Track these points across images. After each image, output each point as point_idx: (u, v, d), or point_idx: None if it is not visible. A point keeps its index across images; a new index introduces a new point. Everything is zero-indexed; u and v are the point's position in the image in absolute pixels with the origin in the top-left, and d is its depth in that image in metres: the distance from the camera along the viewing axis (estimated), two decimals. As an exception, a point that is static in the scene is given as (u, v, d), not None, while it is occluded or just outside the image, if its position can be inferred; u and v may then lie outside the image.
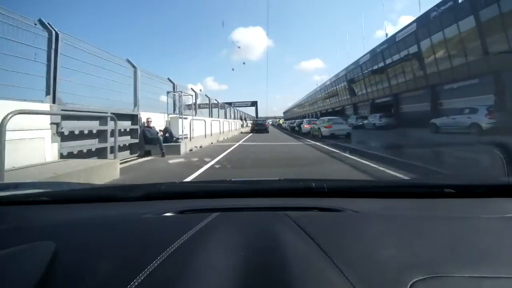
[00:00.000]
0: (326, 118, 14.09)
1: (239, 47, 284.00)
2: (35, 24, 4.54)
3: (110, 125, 6.27)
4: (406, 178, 3.77)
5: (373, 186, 1.02)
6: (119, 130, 6.60)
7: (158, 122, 8.21)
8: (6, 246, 0.50)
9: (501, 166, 0.92)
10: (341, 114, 27.93)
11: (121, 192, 0.94)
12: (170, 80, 9.79)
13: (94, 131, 5.85)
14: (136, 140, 7.10)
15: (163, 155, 6.80)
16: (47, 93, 4.67)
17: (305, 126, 17.38)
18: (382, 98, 23.23)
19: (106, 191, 1.02)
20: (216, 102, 17.50)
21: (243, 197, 0.90)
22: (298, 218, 0.63)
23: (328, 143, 9.77)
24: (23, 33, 4.27)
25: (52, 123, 4.56)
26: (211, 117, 15.36)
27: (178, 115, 8.69)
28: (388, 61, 20.93)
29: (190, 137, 8.18)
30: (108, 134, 5.96)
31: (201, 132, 10.03)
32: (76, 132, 5.33)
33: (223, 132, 13.82)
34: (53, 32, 4.81)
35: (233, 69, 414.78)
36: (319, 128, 13.38)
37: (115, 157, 4.78)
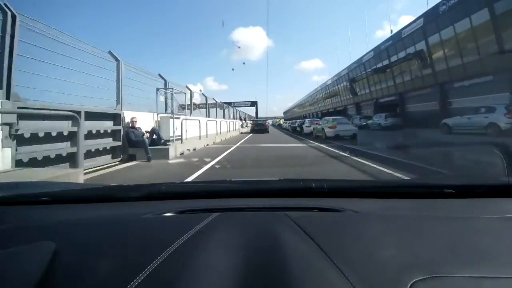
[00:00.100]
0: (330, 118, 13.24)
1: (239, 47, 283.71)
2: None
3: (87, 125, 5.45)
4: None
5: (373, 186, 1.02)
6: (98, 131, 5.79)
7: (147, 122, 7.38)
8: (6, 246, 0.52)
9: (501, 166, 0.91)
10: (343, 114, 27.08)
11: (121, 192, 0.95)
12: (161, 77, 8.96)
13: (65, 133, 5.00)
14: (119, 143, 6.26)
15: (148, 159, 5.96)
16: (-2, 87, 3.83)
17: (307, 126, 16.55)
18: (386, 97, 22.37)
19: (106, 191, 1.00)
20: (214, 101, 16.69)
21: (243, 197, 0.90)
22: (298, 218, 0.63)
23: (334, 145, 8.92)
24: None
25: (3, 124, 3.71)
26: (208, 117, 14.54)
27: (169, 115, 7.85)
28: (393, 58, 20.06)
29: (182, 139, 7.31)
30: (81, 136, 5.12)
31: (195, 133, 9.18)
32: (41, 135, 4.49)
33: (221, 133, 12.96)
34: (9, 14, 3.98)
35: (233, 69, 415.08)
36: (322, 129, 12.53)
37: (78, 166, 3.91)
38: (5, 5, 3.99)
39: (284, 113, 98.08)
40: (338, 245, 0.52)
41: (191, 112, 11.67)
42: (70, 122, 5.15)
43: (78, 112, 5.19)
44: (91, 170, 5.27)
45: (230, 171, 5.23)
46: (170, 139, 7.74)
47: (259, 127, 20.25)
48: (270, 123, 39.36)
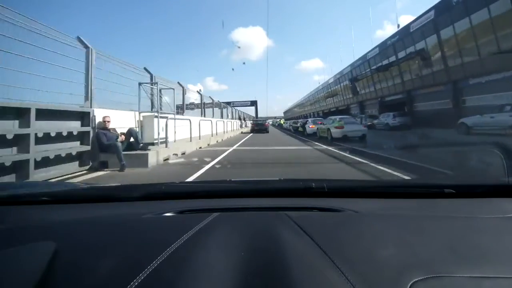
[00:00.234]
0: (336, 117, 12.13)
1: (239, 47, 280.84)
2: None
3: (43, 126, 4.34)
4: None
5: (373, 186, 1.01)
6: (60, 133, 4.68)
7: (127, 122, 6.27)
8: (6, 246, 0.52)
9: (501, 166, 0.90)
10: (346, 113, 25.88)
11: (121, 192, 0.95)
12: (147, 71, 7.84)
13: (10, 136, 3.89)
14: (89, 147, 5.15)
15: (122, 168, 4.85)
16: None
17: (310, 126, 15.43)
18: (392, 95, 21.25)
19: (106, 191, 1.01)
20: (211, 100, 15.58)
21: (243, 197, 0.90)
22: (298, 218, 0.63)
23: (344, 148, 7.80)
24: None
25: None
26: (204, 116, 13.42)
27: (153, 114, 6.73)
28: (401, 54, 18.93)
29: (167, 142, 6.18)
30: (32, 140, 4.02)
31: (186, 134, 8.05)
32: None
33: (217, 134, 11.84)
34: None
35: (233, 69, 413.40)
36: (328, 129, 11.42)
37: (29, 177, 2.78)
38: None
39: (285, 112, 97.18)
40: (338, 245, 0.52)
41: (183, 111, 10.56)
42: (17, 122, 4.06)
43: (27, 110, 4.11)
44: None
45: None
46: (155, 142, 6.64)
47: (259, 127, 20.18)
48: (270, 123, 38.51)
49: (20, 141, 4.02)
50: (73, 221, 0.72)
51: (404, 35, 18.32)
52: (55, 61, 4.80)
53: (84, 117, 5.21)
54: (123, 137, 5.29)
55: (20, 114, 4.07)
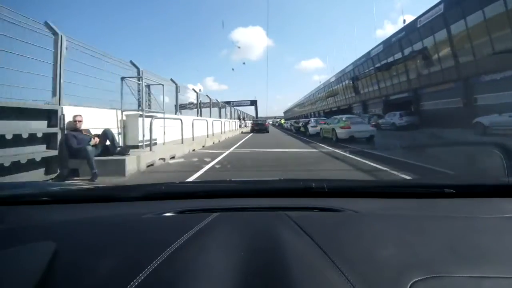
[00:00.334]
0: (341, 116, 11.31)
1: (239, 47, 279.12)
2: None
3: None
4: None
5: (373, 186, 1.01)
6: (19, 135, 3.86)
7: (108, 122, 5.46)
8: (6, 246, 0.52)
9: (501, 166, 0.90)
10: (348, 112, 25.01)
11: (121, 192, 0.95)
12: (133, 64, 7.02)
13: None
14: (56, 152, 4.33)
15: (93, 177, 4.04)
16: None
17: (313, 126, 14.62)
18: (398, 94, 20.43)
19: (106, 191, 1.00)
20: (208, 99, 14.78)
21: (243, 197, 0.89)
22: (298, 218, 0.63)
23: (353, 151, 6.99)
24: None
25: None
26: (200, 116, 12.61)
27: (137, 113, 5.92)
28: (407, 51, 18.12)
29: (151, 145, 5.36)
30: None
31: (177, 135, 7.22)
32: None
33: (213, 135, 11.02)
34: None
35: (233, 69, 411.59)
36: (332, 129, 10.60)
37: None
38: None
39: (285, 112, 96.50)
40: (338, 245, 0.52)
41: (176, 111, 9.74)
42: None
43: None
44: None
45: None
46: (139, 144, 5.82)
47: (259, 126, 20.14)
48: (270, 122, 37.83)
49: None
50: (73, 221, 0.71)
51: (411, 30, 17.49)
52: (20, 51, 4.01)
53: (51, 116, 4.39)
54: (97, 139, 4.47)
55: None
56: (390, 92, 21.55)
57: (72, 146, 4.24)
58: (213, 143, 10.29)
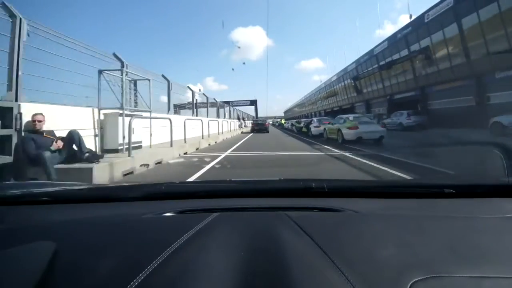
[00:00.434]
0: (348, 116, 10.52)
1: (239, 47, 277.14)
2: None
3: None
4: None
5: (373, 186, 1.01)
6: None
7: (81, 122, 4.68)
8: (6, 246, 0.52)
9: (501, 166, 0.89)
10: (350, 112, 24.22)
11: (121, 192, 0.95)
12: (117, 57, 6.24)
13: None
14: (10, 159, 3.55)
15: (52, 191, 3.24)
16: None
17: (315, 126, 13.82)
18: (403, 93, 19.63)
19: (106, 191, 1.00)
20: (205, 98, 14.03)
21: (243, 197, 0.89)
22: (298, 218, 0.63)
23: (366, 154, 6.19)
24: None
25: None
26: (196, 115, 11.83)
27: (117, 111, 5.13)
28: (414, 47, 17.32)
29: (130, 149, 4.56)
30: None
31: (166, 137, 6.42)
32: None
33: (209, 136, 10.22)
34: None
35: (233, 69, 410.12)
36: (338, 130, 9.80)
37: None
38: None
39: (285, 112, 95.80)
40: (338, 245, 0.52)
41: (168, 109, 8.95)
42: None
43: None
44: None
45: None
46: (119, 148, 5.03)
47: (259, 126, 20.15)
48: (270, 122, 37.12)
49: None
50: (73, 221, 0.71)
51: (418, 26, 16.69)
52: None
53: (5, 114, 3.60)
54: (60, 143, 3.68)
55: None
56: (395, 91, 20.75)
57: (29, 151, 3.45)
58: (209, 144, 9.49)
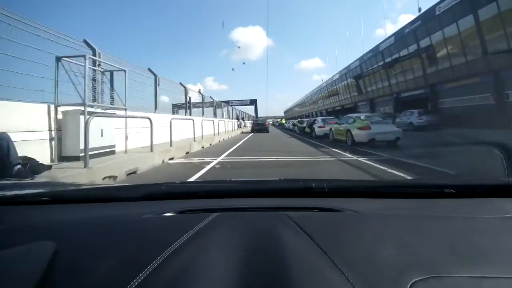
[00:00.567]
0: (358, 115, 9.47)
1: (239, 47, 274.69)
2: None
3: None
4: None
5: (373, 186, 1.01)
6: None
7: (30, 122, 3.63)
8: (6, 246, 0.51)
9: (501, 166, 0.89)
10: (353, 111, 23.18)
11: (121, 192, 0.94)
12: (88, 44, 5.20)
13: None
14: None
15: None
16: None
17: (319, 126, 12.78)
18: (412, 90, 18.55)
19: (106, 191, 1.00)
20: (201, 96, 13.01)
21: (243, 197, 0.89)
22: (298, 218, 0.63)
23: (388, 161, 5.14)
24: None
25: None
26: (190, 115, 10.77)
27: (79, 108, 4.07)
28: (424, 42, 16.27)
29: (86, 158, 3.49)
30: None
31: (145, 140, 5.35)
32: None
33: (203, 138, 9.15)
34: None
35: (233, 69, 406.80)
36: (347, 130, 8.75)
37: None
38: None
39: (285, 112, 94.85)
40: (338, 245, 0.52)
41: (155, 108, 7.89)
42: None
43: None
44: None
45: None
46: (81, 155, 3.97)
47: (259, 126, 20.03)
48: (271, 122, 36.20)
49: None
50: (73, 221, 0.71)
51: (429, 19, 15.64)
52: None
53: None
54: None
55: None
56: (402, 89, 19.70)
57: None
58: (202, 147, 8.43)
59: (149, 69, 7.76)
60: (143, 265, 0.43)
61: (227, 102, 24.89)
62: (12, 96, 3.63)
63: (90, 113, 3.95)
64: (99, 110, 4.83)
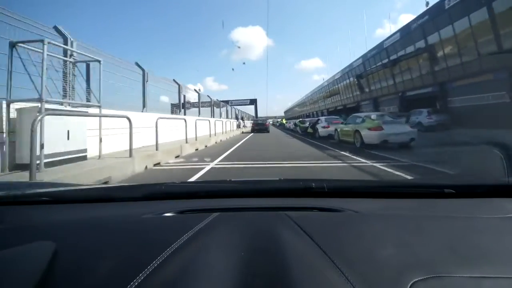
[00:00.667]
0: (368, 114, 8.69)
1: (239, 47, 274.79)
2: None
3: None
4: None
5: (373, 186, 1.01)
6: None
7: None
8: (6, 246, 0.51)
9: (501, 166, 0.88)
10: (356, 111, 22.38)
11: (121, 192, 0.94)
12: (59, 32, 4.44)
13: None
14: None
15: None
16: None
17: (323, 126, 12.01)
18: (418, 89, 17.75)
19: (106, 191, 0.99)
20: (197, 94, 12.26)
21: (243, 197, 0.89)
22: (298, 218, 0.62)
23: (409, 168, 4.37)
24: None
25: None
26: (184, 115, 10.00)
27: (38, 104, 3.29)
28: (432, 38, 15.49)
29: (32, 168, 2.71)
30: None
31: (126, 143, 4.57)
32: None
33: (197, 139, 8.35)
34: None
35: (233, 69, 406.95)
36: (355, 131, 7.99)
37: None
38: None
39: (285, 112, 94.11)
40: (338, 245, 0.52)
41: (143, 106, 7.12)
42: None
43: None
44: None
45: None
46: (44, 161, 3.20)
47: (259, 126, 19.94)
48: (271, 122, 35.50)
49: None
50: (73, 221, 0.71)
51: (437, 13, 14.85)
52: None
53: None
54: None
55: None
56: (408, 87, 18.89)
57: None
58: (196, 150, 7.65)
59: (137, 63, 6.99)
60: (143, 265, 0.43)
61: (226, 102, 24.19)
62: None
63: (50, 109, 3.18)
64: (68, 107, 4.06)
